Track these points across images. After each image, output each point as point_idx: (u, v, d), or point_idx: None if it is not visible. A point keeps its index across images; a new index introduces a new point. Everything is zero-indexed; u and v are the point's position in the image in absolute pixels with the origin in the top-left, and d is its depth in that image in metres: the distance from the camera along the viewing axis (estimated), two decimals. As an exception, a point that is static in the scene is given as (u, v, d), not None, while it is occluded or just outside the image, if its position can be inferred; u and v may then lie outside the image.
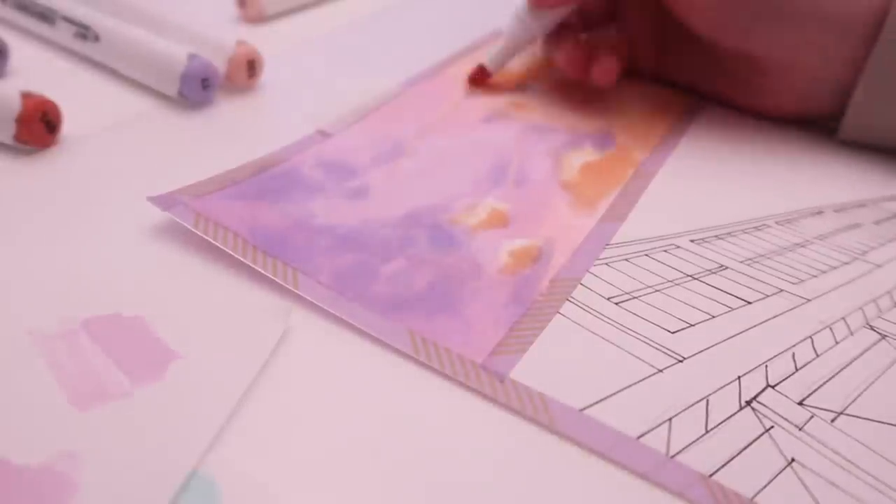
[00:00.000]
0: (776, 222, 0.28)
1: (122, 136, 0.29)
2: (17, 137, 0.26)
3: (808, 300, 0.24)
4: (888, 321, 0.23)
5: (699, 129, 0.33)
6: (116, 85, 0.32)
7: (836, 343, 0.22)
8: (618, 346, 0.21)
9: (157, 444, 0.17)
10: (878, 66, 0.30)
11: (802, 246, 0.26)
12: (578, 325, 0.22)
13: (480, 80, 0.35)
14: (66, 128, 0.28)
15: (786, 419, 0.19)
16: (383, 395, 0.19)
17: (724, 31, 0.31)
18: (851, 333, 0.23)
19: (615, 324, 0.22)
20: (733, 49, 0.32)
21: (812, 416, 0.20)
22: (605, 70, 0.33)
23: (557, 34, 0.34)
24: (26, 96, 0.26)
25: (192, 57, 0.30)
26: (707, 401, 0.20)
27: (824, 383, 0.21)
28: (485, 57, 0.35)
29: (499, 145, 0.30)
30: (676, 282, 0.24)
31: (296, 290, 0.22)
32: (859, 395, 0.20)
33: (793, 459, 0.18)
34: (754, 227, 0.27)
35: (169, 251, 0.23)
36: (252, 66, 0.32)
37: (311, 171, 0.27)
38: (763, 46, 0.31)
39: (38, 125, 0.26)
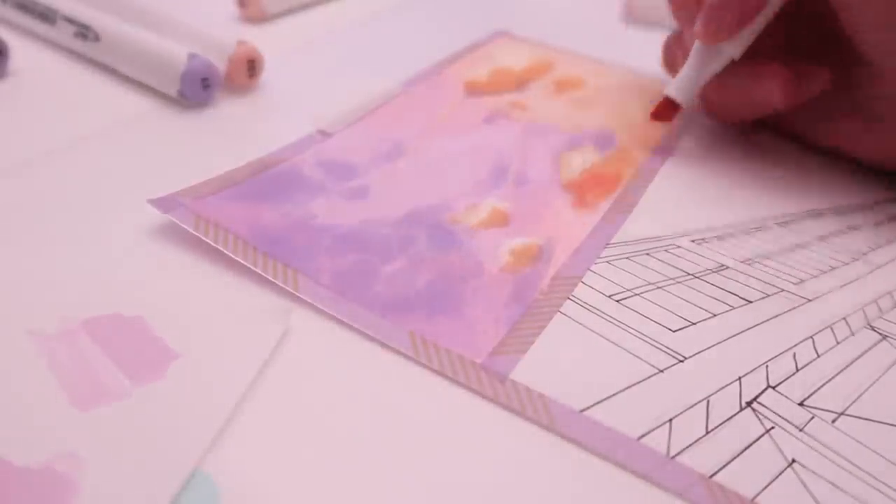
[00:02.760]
0: (776, 223, 0.28)
1: (123, 136, 0.29)
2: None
3: (809, 300, 0.24)
4: (889, 321, 0.23)
5: (700, 128, 0.33)
6: (116, 85, 0.32)
7: (837, 343, 0.22)
8: (619, 346, 0.21)
9: (158, 444, 0.17)
10: None
11: (803, 247, 0.26)
12: (579, 323, 0.22)
13: (667, 115, 0.30)
14: (67, 128, 0.28)
15: (786, 420, 0.19)
16: (384, 394, 0.19)
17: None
18: (852, 334, 0.23)
19: (616, 322, 0.22)
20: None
21: (813, 417, 0.20)
22: (821, 79, 0.28)
23: (753, 65, 0.28)
24: None
25: (192, 56, 0.30)
26: (708, 401, 0.20)
27: (825, 384, 0.21)
28: (666, 89, 0.29)
29: (499, 145, 0.30)
30: (678, 280, 0.24)
31: (296, 293, 0.22)
32: (860, 396, 0.20)
33: (793, 460, 0.18)
34: (754, 228, 0.27)
35: (169, 251, 0.23)
36: (252, 66, 0.32)
37: (312, 171, 0.27)
38: None
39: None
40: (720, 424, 0.19)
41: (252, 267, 0.22)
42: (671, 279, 0.24)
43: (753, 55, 0.28)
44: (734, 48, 0.28)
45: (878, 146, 0.30)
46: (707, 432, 0.19)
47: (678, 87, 0.29)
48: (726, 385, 0.20)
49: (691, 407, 0.19)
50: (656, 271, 0.24)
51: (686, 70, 0.29)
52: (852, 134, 0.30)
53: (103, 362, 0.19)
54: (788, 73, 0.28)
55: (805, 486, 0.18)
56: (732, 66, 0.28)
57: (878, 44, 0.27)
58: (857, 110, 0.29)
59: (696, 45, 0.28)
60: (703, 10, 0.27)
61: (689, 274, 0.24)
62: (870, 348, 0.22)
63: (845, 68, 0.28)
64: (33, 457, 0.16)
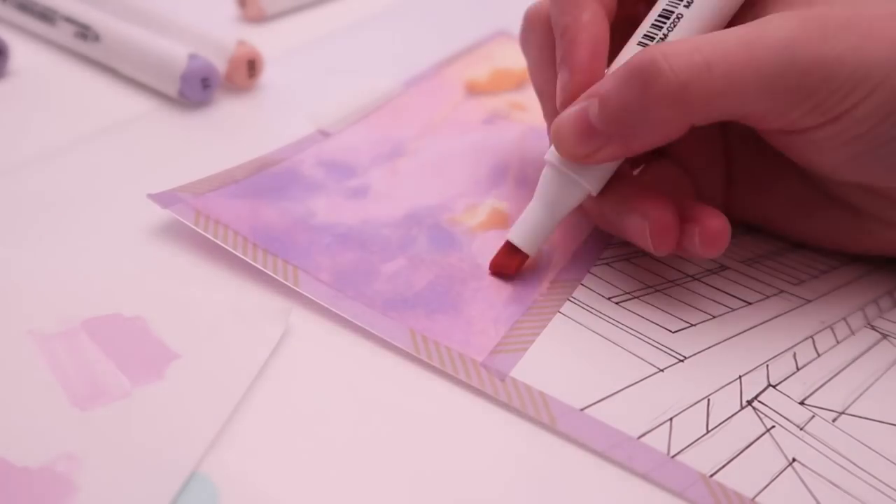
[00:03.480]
0: (777, 222, 0.27)
1: (123, 136, 0.29)
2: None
3: (809, 300, 0.24)
4: (889, 321, 0.23)
5: (699, 129, 0.33)
6: (116, 85, 0.32)
7: (837, 343, 0.22)
8: (618, 346, 0.21)
9: (157, 444, 0.17)
10: None
11: (803, 247, 0.26)
12: (579, 324, 0.22)
13: (510, 266, 0.23)
14: (67, 128, 0.28)
15: (787, 419, 0.19)
16: (383, 394, 0.19)
17: (865, 176, 0.22)
18: (852, 333, 0.23)
19: (616, 323, 0.22)
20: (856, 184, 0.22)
21: (813, 416, 0.20)
22: (713, 235, 0.21)
23: (626, 194, 0.22)
24: None
25: (192, 57, 0.30)
26: (708, 400, 0.20)
27: (825, 383, 0.21)
28: (509, 233, 0.23)
29: (499, 146, 0.30)
30: (677, 282, 0.24)
31: (296, 288, 0.22)
32: (860, 395, 0.20)
33: (794, 459, 0.18)
34: (754, 229, 0.27)
35: (169, 251, 0.23)
36: (252, 66, 0.32)
37: (312, 171, 0.27)
38: None
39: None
40: (721, 423, 0.19)
41: (252, 262, 0.22)
42: (670, 281, 0.24)
43: (648, 173, 0.24)
44: (591, 182, 0.22)
45: (865, 242, 0.24)
46: (707, 431, 0.19)
47: (521, 231, 0.22)
48: (727, 384, 0.20)
49: (692, 406, 0.19)
50: (656, 273, 0.24)
51: (532, 208, 0.22)
52: (830, 229, 0.25)
53: (103, 362, 0.19)
54: (667, 219, 0.21)
55: (805, 485, 0.18)
56: (614, 179, 0.22)
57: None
58: (825, 200, 0.24)
59: (545, 174, 0.22)
60: (552, 126, 0.21)
61: (688, 275, 0.24)
62: (870, 348, 0.22)
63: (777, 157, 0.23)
64: (33, 457, 0.16)
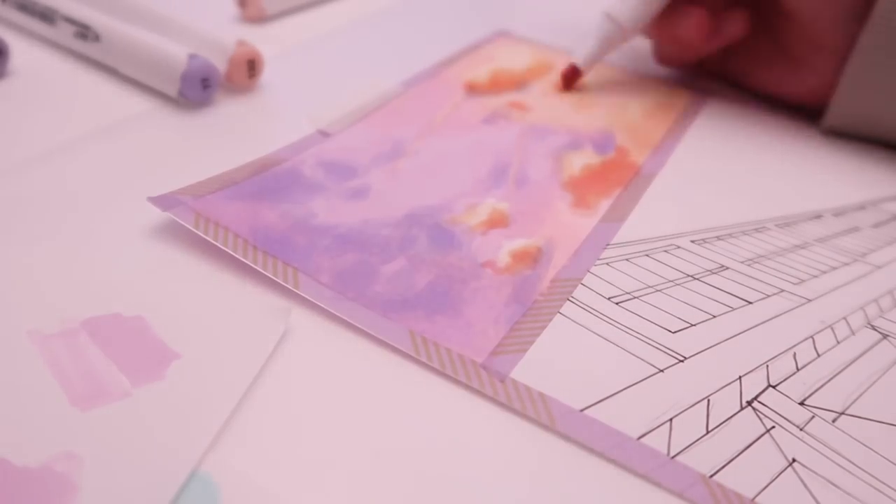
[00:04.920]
0: (776, 225, 0.28)
1: (123, 136, 0.29)
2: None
3: (809, 300, 0.24)
4: (889, 321, 0.23)
5: (699, 129, 0.33)
6: (116, 85, 0.32)
7: (838, 343, 0.22)
8: (618, 346, 0.21)
9: (157, 444, 0.17)
10: (865, 53, 0.30)
11: (802, 248, 0.26)
12: (579, 324, 0.22)
13: (573, 79, 0.35)
14: (67, 128, 0.28)
15: (787, 419, 0.19)
16: (383, 395, 0.19)
17: None
18: (853, 333, 0.23)
19: (616, 324, 0.22)
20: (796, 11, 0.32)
21: (813, 417, 0.20)
22: (738, 21, 0.33)
23: (675, 12, 0.33)
24: None
25: (192, 57, 0.30)
26: (708, 401, 0.20)
27: (825, 383, 0.21)
28: (573, 57, 0.35)
29: (499, 146, 0.30)
30: (677, 282, 0.24)
31: (296, 290, 0.22)
32: (861, 395, 0.20)
33: (794, 460, 0.18)
34: (754, 229, 0.27)
35: (169, 251, 0.23)
36: (252, 66, 0.32)
37: (312, 171, 0.27)
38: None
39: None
40: (720, 424, 0.19)
41: (252, 264, 0.22)
42: (670, 281, 0.24)
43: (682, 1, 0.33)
44: (623, 16, 0.33)
45: (799, 88, 0.34)
46: (707, 432, 0.19)
47: (584, 57, 0.34)
48: (727, 384, 0.20)
49: (691, 406, 0.19)
50: (656, 273, 0.24)
51: (591, 44, 0.34)
52: (778, 78, 0.35)
53: (103, 362, 0.19)
54: (704, 14, 0.32)
55: (805, 485, 0.18)
56: (665, 9, 0.33)
57: None
58: (779, 55, 0.34)
59: (600, 25, 0.34)
60: None
61: (688, 275, 0.24)
62: (870, 348, 0.22)
63: (765, 16, 0.33)
64: (33, 457, 0.16)
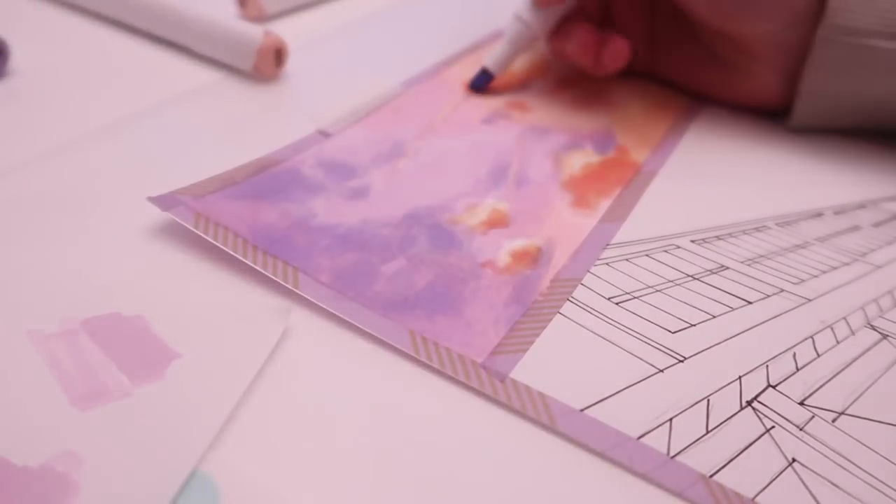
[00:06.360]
0: (776, 224, 0.28)
1: (122, 136, 0.29)
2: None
3: (809, 300, 0.24)
4: (889, 321, 0.23)
5: (699, 129, 0.33)
6: (116, 85, 0.32)
7: (838, 343, 0.22)
8: (618, 346, 0.21)
9: (158, 444, 0.17)
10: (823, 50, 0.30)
11: (802, 247, 0.26)
12: (579, 325, 0.22)
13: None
14: (68, 128, 0.28)
15: (787, 419, 0.19)
16: (383, 395, 0.19)
17: (717, 9, 0.30)
18: (853, 333, 0.23)
19: (616, 324, 0.22)
20: (723, 31, 0.31)
21: (813, 416, 0.20)
22: (617, 51, 0.32)
23: (566, 27, 0.33)
24: None
25: None
26: (708, 401, 0.20)
27: (825, 383, 0.21)
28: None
29: (499, 146, 0.30)
30: (677, 282, 0.24)
31: (296, 290, 0.22)
32: (860, 395, 0.20)
33: (794, 459, 0.18)
34: (754, 229, 0.27)
35: (169, 251, 0.23)
36: (279, 56, 0.33)
37: (312, 171, 0.27)
38: (748, 25, 0.30)
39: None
40: (720, 424, 0.19)
41: (252, 264, 0.22)
42: (670, 281, 0.24)
43: (580, 17, 0.33)
44: (541, 26, 0.33)
45: (737, 92, 0.34)
46: (707, 432, 0.19)
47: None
48: (726, 384, 0.20)
49: (691, 406, 0.19)
50: (656, 273, 0.24)
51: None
52: (716, 82, 0.34)
53: (103, 362, 0.19)
54: (588, 35, 0.32)
55: (805, 485, 0.18)
56: (561, 23, 0.33)
57: None
58: (714, 62, 0.34)
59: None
60: None
61: (688, 275, 0.24)
62: (870, 347, 0.22)
63: (696, 27, 0.33)
64: (33, 457, 0.16)
